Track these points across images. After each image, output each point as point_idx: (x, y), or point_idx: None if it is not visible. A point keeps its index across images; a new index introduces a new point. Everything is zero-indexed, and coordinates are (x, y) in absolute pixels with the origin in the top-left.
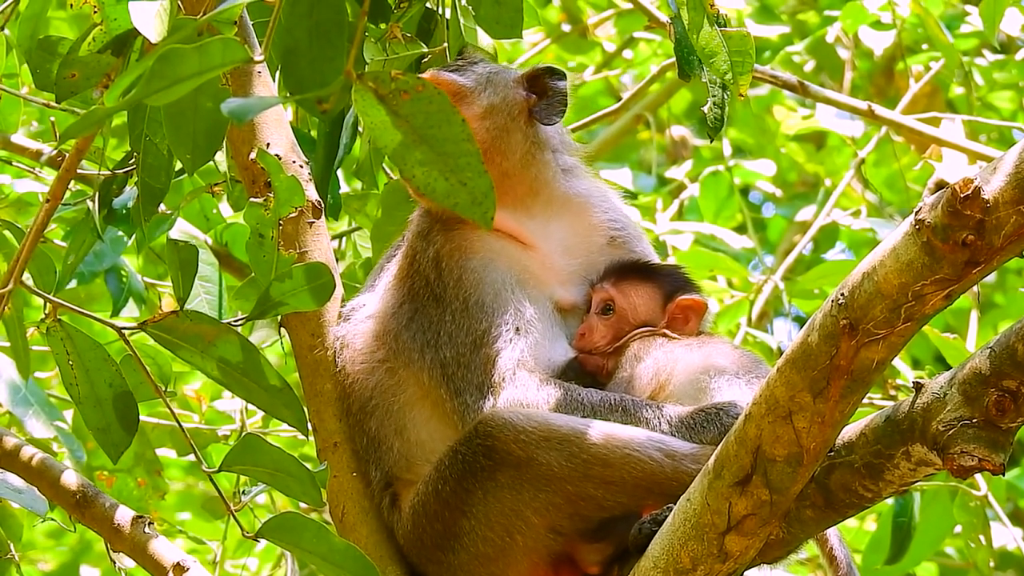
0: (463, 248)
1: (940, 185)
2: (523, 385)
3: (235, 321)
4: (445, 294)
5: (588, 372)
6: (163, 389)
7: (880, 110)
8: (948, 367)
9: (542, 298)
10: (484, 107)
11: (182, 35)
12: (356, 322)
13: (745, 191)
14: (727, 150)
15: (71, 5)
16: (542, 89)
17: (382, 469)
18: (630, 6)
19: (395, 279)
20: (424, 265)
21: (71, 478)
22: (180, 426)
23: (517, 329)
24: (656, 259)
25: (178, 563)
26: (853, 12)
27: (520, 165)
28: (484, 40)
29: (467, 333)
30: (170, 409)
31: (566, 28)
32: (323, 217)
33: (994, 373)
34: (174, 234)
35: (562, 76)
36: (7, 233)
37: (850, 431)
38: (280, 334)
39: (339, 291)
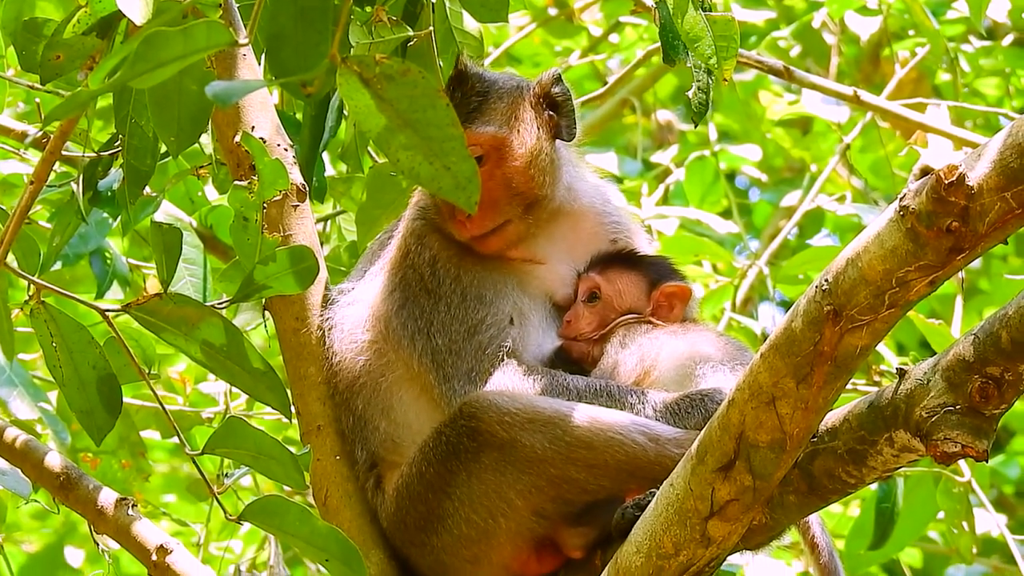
0: (462, 252)
1: (925, 171)
2: (511, 371)
3: (219, 304)
4: (439, 289)
5: (573, 359)
6: (147, 371)
7: (866, 96)
8: (933, 352)
9: (540, 295)
10: (526, 156)
11: (167, 18)
12: (345, 304)
13: (731, 176)
14: (713, 135)
15: None
16: (553, 101)
17: (368, 449)
18: None
19: (388, 267)
20: (418, 263)
21: (55, 460)
22: (164, 408)
23: (511, 320)
24: (649, 250)
25: (162, 545)
26: None
27: (549, 192)
28: (470, 24)
29: (461, 322)
30: (154, 391)
31: (552, 12)
32: (308, 200)
33: (978, 360)
34: (159, 216)
35: (560, 80)
36: None
37: (833, 417)
38: (264, 317)
39: (323, 274)
